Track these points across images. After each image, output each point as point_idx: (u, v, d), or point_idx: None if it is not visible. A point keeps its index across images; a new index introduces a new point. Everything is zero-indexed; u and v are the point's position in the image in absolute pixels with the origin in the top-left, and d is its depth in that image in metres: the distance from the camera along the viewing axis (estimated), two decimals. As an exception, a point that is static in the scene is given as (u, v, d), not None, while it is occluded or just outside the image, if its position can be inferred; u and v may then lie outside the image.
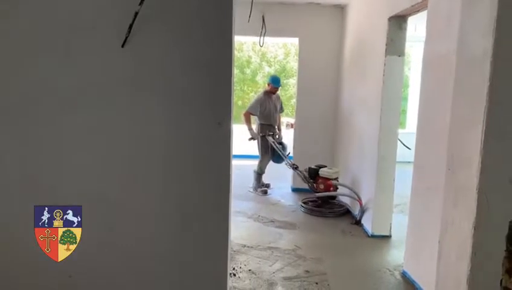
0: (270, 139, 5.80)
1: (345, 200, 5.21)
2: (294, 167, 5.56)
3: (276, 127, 6.09)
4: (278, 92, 6.11)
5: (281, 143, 5.92)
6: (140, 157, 2.13)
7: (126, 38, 1.99)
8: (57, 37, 2.03)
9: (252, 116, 6.03)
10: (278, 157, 5.83)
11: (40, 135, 2.10)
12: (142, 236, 2.17)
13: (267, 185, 6.15)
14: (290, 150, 6.05)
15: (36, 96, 2.07)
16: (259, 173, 6.00)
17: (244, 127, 5.98)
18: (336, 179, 5.13)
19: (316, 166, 5.28)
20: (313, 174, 5.24)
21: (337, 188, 5.11)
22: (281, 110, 6.18)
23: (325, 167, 5.28)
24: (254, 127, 6.02)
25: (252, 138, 5.98)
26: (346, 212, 5.00)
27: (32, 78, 2.06)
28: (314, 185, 5.22)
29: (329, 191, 5.05)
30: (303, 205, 5.18)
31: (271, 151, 5.85)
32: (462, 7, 2.11)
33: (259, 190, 5.92)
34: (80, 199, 2.11)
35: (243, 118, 6.02)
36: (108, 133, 2.11)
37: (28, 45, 2.04)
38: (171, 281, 2.20)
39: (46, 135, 2.10)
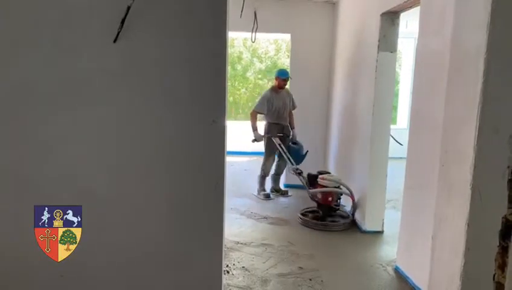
0: (276, 141, 5.33)
1: (348, 208, 4.72)
2: (298, 173, 5.05)
3: (289, 125, 5.59)
4: (288, 87, 5.66)
5: (295, 143, 5.50)
6: (133, 155, 2.10)
7: (118, 33, 1.95)
8: (47, 32, 1.99)
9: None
10: (296, 158, 5.31)
11: (28, 133, 2.06)
12: (136, 235, 2.15)
13: (285, 192, 5.66)
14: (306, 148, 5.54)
15: (27, 94, 2.03)
16: (263, 176, 5.60)
17: (235, 123, 5.83)
18: (338, 187, 4.55)
19: (318, 172, 4.76)
20: (312, 181, 4.71)
21: (338, 199, 4.59)
22: (293, 106, 5.61)
23: (328, 173, 4.78)
24: (263, 124, 5.57)
25: (256, 140, 5.50)
26: (353, 224, 4.44)
27: (22, 75, 2.01)
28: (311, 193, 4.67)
29: (327, 201, 4.47)
30: (301, 217, 4.55)
31: (280, 153, 5.39)
32: (455, 2, 2.12)
33: (261, 193, 5.51)
34: (71, 198, 2.08)
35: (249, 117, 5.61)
36: (101, 130, 2.08)
37: (17, 41, 1.99)
38: (166, 279, 2.18)
39: (34, 132, 2.06)
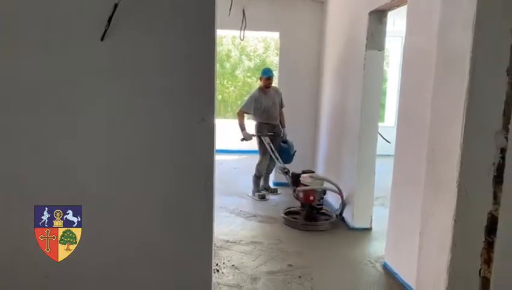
0: (266, 140, 5.30)
1: (336, 206, 4.68)
2: (285, 172, 5.04)
3: (279, 124, 5.55)
4: (276, 86, 5.67)
5: (285, 141, 5.48)
6: (122, 154, 2.09)
7: (105, 31, 1.93)
8: (33, 30, 1.96)
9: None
10: (286, 157, 5.33)
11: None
12: (125, 234, 2.14)
13: (274, 190, 5.71)
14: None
15: (14, 94, 2.00)
16: (258, 176, 5.53)
17: (224, 121, 5.78)
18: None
19: (302, 171, 4.74)
20: (295, 180, 4.68)
21: (321, 199, 4.53)
22: (281, 105, 5.57)
23: (312, 172, 4.76)
24: (254, 124, 5.52)
25: (244, 139, 5.43)
26: (341, 222, 4.43)
27: (10, 75, 1.99)
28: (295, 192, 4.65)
29: (308, 201, 4.39)
30: (284, 216, 4.46)
31: (271, 152, 5.32)
32: (442, 1, 2.14)
33: (256, 194, 5.45)
34: (62, 198, 2.06)
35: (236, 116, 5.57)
36: (90, 130, 2.06)
37: (4, 40, 1.96)
38: (156, 279, 2.17)
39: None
